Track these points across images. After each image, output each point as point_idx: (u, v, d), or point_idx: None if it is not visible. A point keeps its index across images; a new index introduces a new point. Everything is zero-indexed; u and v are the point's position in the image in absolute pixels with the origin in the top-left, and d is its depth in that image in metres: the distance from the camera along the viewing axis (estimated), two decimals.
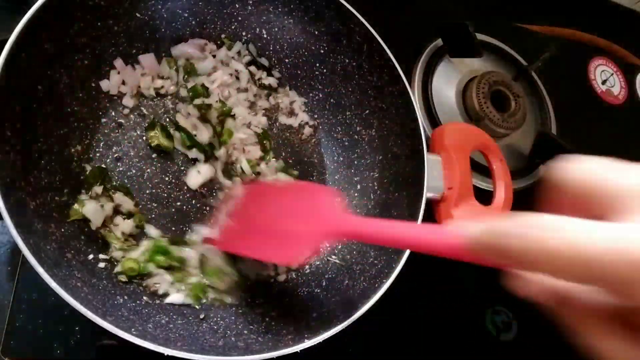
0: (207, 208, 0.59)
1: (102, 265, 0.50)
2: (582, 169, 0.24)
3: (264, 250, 0.48)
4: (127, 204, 0.54)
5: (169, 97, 0.62)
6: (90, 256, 0.49)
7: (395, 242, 0.41)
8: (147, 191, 0.57)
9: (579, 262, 0.21)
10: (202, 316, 0.52)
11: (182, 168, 0.60)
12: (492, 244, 0.24)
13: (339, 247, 0.63)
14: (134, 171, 0.57)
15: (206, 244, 0.55)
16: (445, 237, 0.30)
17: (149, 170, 0.58)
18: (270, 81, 0.69)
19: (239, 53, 0.67)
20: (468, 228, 0.26)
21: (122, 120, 0.59)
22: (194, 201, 0.58)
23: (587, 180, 0.24)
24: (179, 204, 0.58)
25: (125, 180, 0.56)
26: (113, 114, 0.58)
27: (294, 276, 0.60)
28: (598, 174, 0.24)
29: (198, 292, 0.53)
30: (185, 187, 0.59)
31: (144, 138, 0.59)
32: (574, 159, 0.25)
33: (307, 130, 0.69)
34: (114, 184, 0.55)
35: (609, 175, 0.23)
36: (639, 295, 0.20)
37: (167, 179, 0.58)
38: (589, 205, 0.23)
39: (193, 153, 0.60)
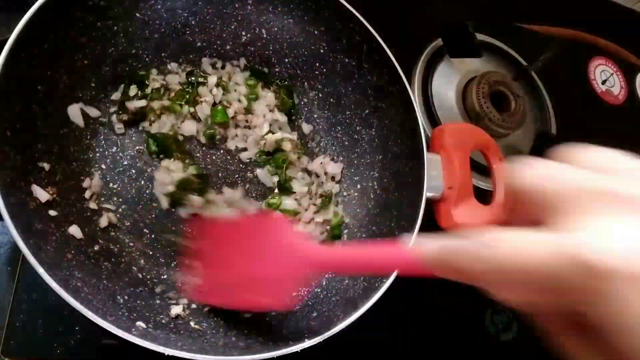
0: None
1: (103, 265, 0.50)
2: (531, 174, 0.24)
3: (244, 299, 0.48)
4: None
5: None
6: (91, 256, 0.49)
7: (360, 265, 0.40)
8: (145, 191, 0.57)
9: (523, 273, 0.21)
10: (202, 316, 0.52)
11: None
12: (443, 263, 0.25)
13: (339, 247, 0.63)
14: (133, 171, 0.57)
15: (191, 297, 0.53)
16: (404, 257, 0.31)
17: (149, 170, 0.58)
18: None
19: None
20: (423, 248, 0.26)
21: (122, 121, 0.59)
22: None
23: (535, 184, 0.24)
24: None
25: (125, 181, 0.56)
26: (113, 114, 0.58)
27: None
28: (544, 177, 0.24)
29: None
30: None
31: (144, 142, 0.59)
32: (525, 162, 0.25)
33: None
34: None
35: (553, 177, 0.23)
36: (585, 298, 0.20)
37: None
38: (539, 211, 0.23)
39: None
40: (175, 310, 0.51)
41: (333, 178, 0.67)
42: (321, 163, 0.66)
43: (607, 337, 0.21)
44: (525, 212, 0.24)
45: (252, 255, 0.47)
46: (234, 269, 0.49)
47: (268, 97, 0.67)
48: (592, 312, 0.21)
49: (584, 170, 0.23)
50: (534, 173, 0.24)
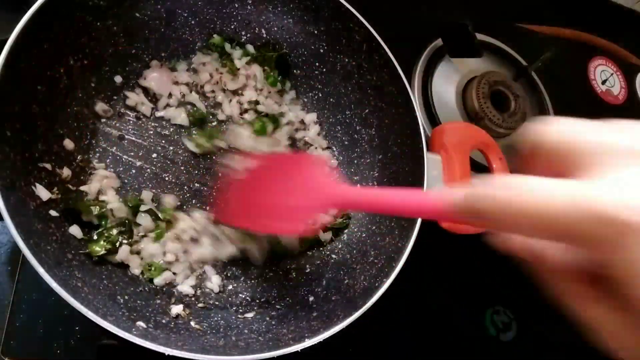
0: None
1: (103, 265, 0.50)
2: (554, 130, 0.25)
3: (266, 223, 0.49)
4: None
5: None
6: (91, 256, 0.49)
7: (385, 208, 0.43)
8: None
9: (542, 219, 0.22)
10: (202, 316, 0.52)
11: (182, 169, 0.60)
12: (469, 208, 0.25)
13: (339, 246, 0.63)
14: (133, 171, 0.57)
15: (211, 218, 0.55)
16: (430, 202, 0.32)
17: (149, 169, 0.58)
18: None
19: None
20: (451, 194, 0.27)
21: (123, 121, 0.59)
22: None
23: (557, 140, 0.25)
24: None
25: (125, 181, 0.56)
26: (114, 113, 0.58)
27: (294, 275, 0.60)
28: (567, 134, 0.25)
29: None
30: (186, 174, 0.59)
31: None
32: (548, 121, 0.26)
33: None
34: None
35: (577, 134, 0.24)
36: (600, 248, 0.21)
37: (167, 178, 0.58)
38: (561, 165, 0.24)
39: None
40: (176, 310, 0.51)
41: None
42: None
43: (618, 286, 0.21)
44: (547, 166, 0.25)
45: (282, 185, 0.49)
46: (262, 196, 0.50)
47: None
48: (606, 261, 0.21)
49: (604, 128, 0.24)
50: (558, 129, 0.25)
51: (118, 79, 0.59)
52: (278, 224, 0.49)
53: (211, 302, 0.55)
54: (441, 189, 0.29)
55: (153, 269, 0.52)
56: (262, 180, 0.52)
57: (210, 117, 0.64)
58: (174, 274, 0.54)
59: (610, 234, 0.20)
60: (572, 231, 0.21)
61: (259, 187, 0.52)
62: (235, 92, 0.66)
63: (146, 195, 0.56)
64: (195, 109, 0.63)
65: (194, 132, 0.62)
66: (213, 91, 0.65)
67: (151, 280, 0.52)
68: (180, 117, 0.61)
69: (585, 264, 0.24)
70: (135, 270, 0.52)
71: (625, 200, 0.20)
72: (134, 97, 0.60)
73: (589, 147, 0.23)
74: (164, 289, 0.53)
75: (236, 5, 0.65)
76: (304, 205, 0.46)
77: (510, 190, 0.23)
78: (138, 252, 0.53)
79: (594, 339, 0.24)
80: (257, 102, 0.66)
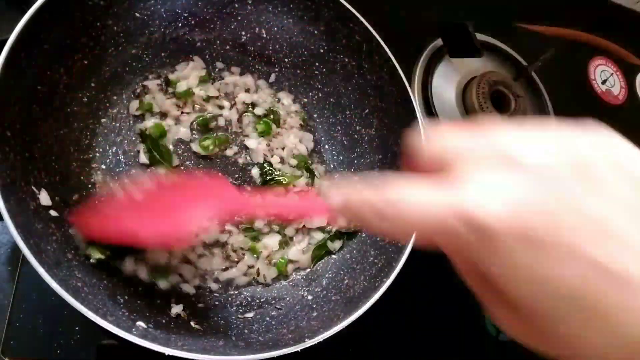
0: None
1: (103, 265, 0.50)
2: (430, 140, 0.26)
3: (151, 229, 0.44)
4: None
5: None
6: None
7: (280, 211, 0.45)
8: None
9: (412, 224, 0.23)
10: (202, 316, 0.52)
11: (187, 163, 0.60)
12: (348, 213, 0.27)
13: (340, 246, 0.63)
14: (133, 171, 0.57)
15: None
16: (319, 205, 0.35)
17: (149, 170, 0.58)
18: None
19: None
20: (332, 198, 0.29)
21: (123, 121, 0.59)
22: None
23: (430, 149, 0.26)
24: None
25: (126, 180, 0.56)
26: (113, 113, 0.58)
27: (295, 275, 0.60)
28: (438, 143, 0.26)
29: None
30: None
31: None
32: (426, 130, 0.27)
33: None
34: None
35: (445, 141, 0.25)
36: (469, 249, 0.22)
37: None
38: (436, 169, 0.25)
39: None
40: (176, 310, 0.51)
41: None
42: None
43: (498, 286, 0.22)
44: (427, 169, 0.26)
45: (182, 197, 0.47)
46: (157, 205, 0.46)
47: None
48: (480, 263, 0.22)
49: (483, 136, 0.24)
50: (432, 139, 0.26)
51: (118, 79, 0.59)
52: (164, 227, 0.44)
53: (211, 302, 0.55)
54: (326, 191, 0.31)
55: (159, 273, 0.53)
56: (163, 196, 0.48)
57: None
58: (180, 275, 0.54)
59: (478, 236, 0.21)
60: (447, 236, 0.22)
61: (156, 200, 0.47)
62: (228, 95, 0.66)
63: None
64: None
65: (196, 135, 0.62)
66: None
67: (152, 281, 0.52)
68: (180, 131, 0.61)
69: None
70: (144, 276, 0.52)
71: (490, 202, 0.21)
72: (134, 104, 0.60)
73: (456, 152, 0.24)
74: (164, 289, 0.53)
75: (236, 5, 0.65)
76: (197, 212, 0.44)
77: (384, 197, 0.24)
78: (143, 259, 0.52)
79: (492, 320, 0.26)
80: (253, 105, 0.66)
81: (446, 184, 0.23)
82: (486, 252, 0.21)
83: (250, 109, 0.66)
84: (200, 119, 0.62)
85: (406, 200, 0.23)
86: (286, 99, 0.69)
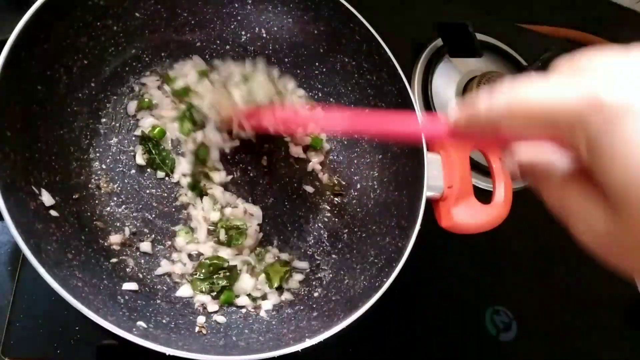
0: None
1: (103, 265, 0.50)
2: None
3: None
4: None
5: None
6: (91, 256, 0.49)
7: (386, 132, 0.47)
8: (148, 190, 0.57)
9: (528, 112, 0.24)
10: (202, 316, 0.52)
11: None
12: (469, 120, 0.28)
13: (339, 246, 0.63)
14: (133, 171, 0.57)
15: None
16: (437, 125, 0.35)
17: (149, 169, 0.58)
18: None
19: None
20: (452, 115, 0.30)
21: (122, 121, 0.59)
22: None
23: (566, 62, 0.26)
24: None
25: (125, 180, 0.56)
26: (113, 113, 0.58)
27: (294, 275, 0.60)
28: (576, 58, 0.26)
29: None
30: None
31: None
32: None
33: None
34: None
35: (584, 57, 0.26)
36: (590, 133, 0.22)
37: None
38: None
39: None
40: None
41: None
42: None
43: (608, 178, 0.22)
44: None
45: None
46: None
47: None
48: (595, 154, 0.22)
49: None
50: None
51: (118, 79, 0.59)
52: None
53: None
54: (443, 114, 0.32)
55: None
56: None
57: None
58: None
59: (605, 119, 0.21)
60: (574, 119, 0.22)
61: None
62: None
63: None
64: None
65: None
66: None
67: (152, 281, 0.52)
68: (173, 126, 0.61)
69: (577, 163, 0.26)
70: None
71: (621, 85, 0.22)
72: (132, 105, 0.59)
73: (588, 62, 0.25)
74: (164, 288, 0.53)
75: (236, 5, 0.65)
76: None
77: (498, 92, 0.26)
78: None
79: (576, 237, 0.26)
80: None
81: (573, 77, 0.24)
82: (609, 136, 0.21)
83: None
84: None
85: (536, 93, 0.24)
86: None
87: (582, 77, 0.24)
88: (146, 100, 0.60)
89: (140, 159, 0.57)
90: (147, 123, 0.59)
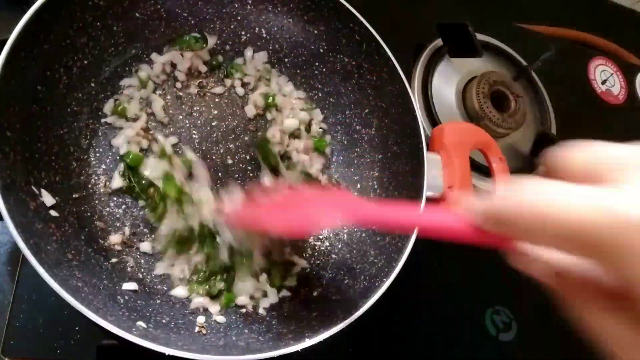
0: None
1: (103, 265, 0.50)
2: (580, 151, 0.25)
3: (280, 223, 0.48)
4: None
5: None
6: (91, 256, 0.49)
7: (401, 227, 0.46)
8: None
9: (562, 225, 0.21)
10: (202, 316, 0.52)
11: None
12: (493, 219, 0.26)
13: (339, 246, 0.63)
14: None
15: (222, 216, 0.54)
16: (454, 221, 0.31)
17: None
18: None
19: None
20: (472, 209, 0.27)
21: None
22: None
23: (582, 157, 0.25)
24: None
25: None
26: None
27: (294, 275, 0.60)
28: (591, 153, 0.24)
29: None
30: None
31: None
32: (571, 145, 0.25)
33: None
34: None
35: (600, 152, 0.24)
36: (622, 258, 0.20)
37: None
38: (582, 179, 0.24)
39: None
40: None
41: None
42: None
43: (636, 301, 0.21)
44: (574, 178, 0.25)
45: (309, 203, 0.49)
46: (286, 206, 0.50)
47: None
48: (627, 273, 0.21)
49: (628, 146, 0.24)
50: (583, 151, 0.25)
51: (118, 79, 0.59)
52: (293, 223, 0.47)
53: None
54: (454, 204, 0.29)
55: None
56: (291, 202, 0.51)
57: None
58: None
59: (634, 236, 0.20)
60: (597, 236, 0.21)
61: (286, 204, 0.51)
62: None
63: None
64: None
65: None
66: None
67: (152, 281, 0.52)
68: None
69: (605, 278, 0.24)
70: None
71: None
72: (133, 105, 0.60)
73: (613, 161, 0.23)
74: (164, 288, 0.53)
75: (236, 5, 0.65)
76: (325, 210, 0.46)
77: (534, 195, 0.23)
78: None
79: (608, 355, 0.24)
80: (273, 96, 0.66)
81: (596, 187, 0.22)
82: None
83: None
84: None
85: (560, 195, 0.22)
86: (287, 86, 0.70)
87: (598, 186, 0.22)
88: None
89: (118, 182, 0.55)
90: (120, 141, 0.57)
